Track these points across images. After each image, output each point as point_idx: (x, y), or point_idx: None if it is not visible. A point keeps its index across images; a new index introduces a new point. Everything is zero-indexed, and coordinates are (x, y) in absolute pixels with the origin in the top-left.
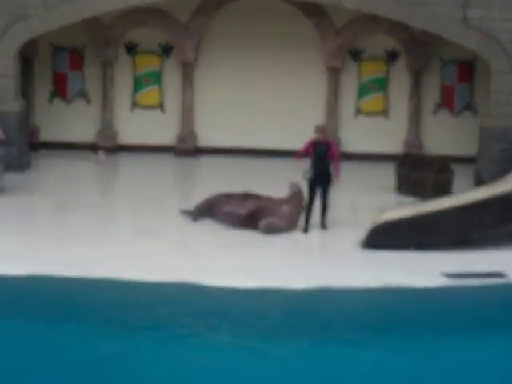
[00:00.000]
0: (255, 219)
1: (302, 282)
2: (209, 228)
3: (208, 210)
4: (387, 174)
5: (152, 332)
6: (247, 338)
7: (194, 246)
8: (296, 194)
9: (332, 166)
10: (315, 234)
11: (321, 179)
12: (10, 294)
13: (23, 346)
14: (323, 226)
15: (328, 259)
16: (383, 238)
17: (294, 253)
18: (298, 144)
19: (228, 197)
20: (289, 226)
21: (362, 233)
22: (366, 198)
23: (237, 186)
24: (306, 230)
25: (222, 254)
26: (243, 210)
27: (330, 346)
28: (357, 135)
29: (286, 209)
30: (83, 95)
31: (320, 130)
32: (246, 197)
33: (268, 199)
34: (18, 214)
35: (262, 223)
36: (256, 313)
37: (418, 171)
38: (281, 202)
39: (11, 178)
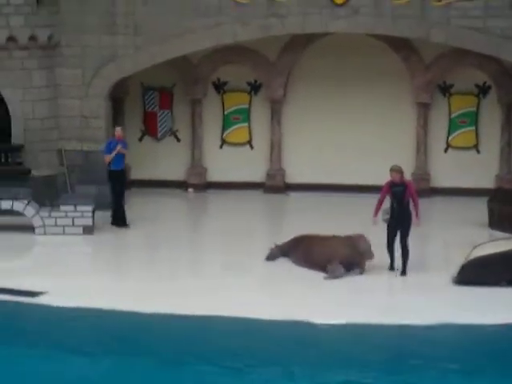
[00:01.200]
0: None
1: (394, 318)
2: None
3: (286, 253)
4: (479, 209)
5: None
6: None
7: (280, 283)
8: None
9: (412, 207)
10: (407, 270)
11: (399, 220)
12: (99, 328)
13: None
14: (403, 272)
15: (420, 295)
16: (476, 273)
17: (384, 289)
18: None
19: (303, 244)
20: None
21: (454, 269)
22: (458, 233)
23: (326, 223)
24: (391, 267)
25: (309, 291)
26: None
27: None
28: (447, 170)
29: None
30: (173, 133)
31: (395, 170)
32: (320, 246)
33: (342, 248)
34: (109, 250)
35: (353, 273)
36: (352, 350)
37: (511, 205)
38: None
39: (103, 215)
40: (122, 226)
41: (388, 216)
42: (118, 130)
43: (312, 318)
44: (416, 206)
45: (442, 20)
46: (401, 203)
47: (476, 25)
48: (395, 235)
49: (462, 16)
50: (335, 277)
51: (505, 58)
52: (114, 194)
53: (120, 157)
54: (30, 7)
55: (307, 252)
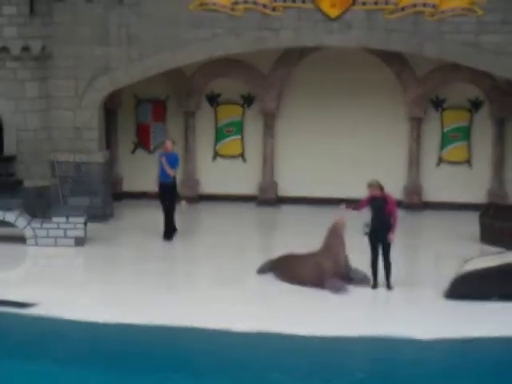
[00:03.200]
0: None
1: (382, 331)
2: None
3: (275, 269)
4: (471, 224)
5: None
6: None
7: (272, 296)
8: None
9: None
10: (397, 283)
11: (379, 235)
12: (90, 340)
13: None
14: (388, 286)
15: (411, 310)
16: (467, 288)
17: (372, 303)
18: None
19: (298, 262)
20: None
21: (445, 282)
22: (450, 247)
23: (318, 236)
24: (374, 285)
25: (299, 305)
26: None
27: None
28: (439, 184)
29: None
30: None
31: (374, 186)
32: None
33: (334, 260)
34: (101, 262)
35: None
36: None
37: (502, 220)
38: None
39: (94, 227)
40: (169, 239)
41: (368, 230)
42: (167, 143)
43: (298, 331)
44: (394, 221)
45: (434, 35)
46: (382, 217)
47: (469, 40)
48: (378, 248)
49: (455, 31)
50: (338, 289)
51: (497, 73)
52: (164, 207)
53: (165, 169)
54: (23, 18)
55: (291, 269)
